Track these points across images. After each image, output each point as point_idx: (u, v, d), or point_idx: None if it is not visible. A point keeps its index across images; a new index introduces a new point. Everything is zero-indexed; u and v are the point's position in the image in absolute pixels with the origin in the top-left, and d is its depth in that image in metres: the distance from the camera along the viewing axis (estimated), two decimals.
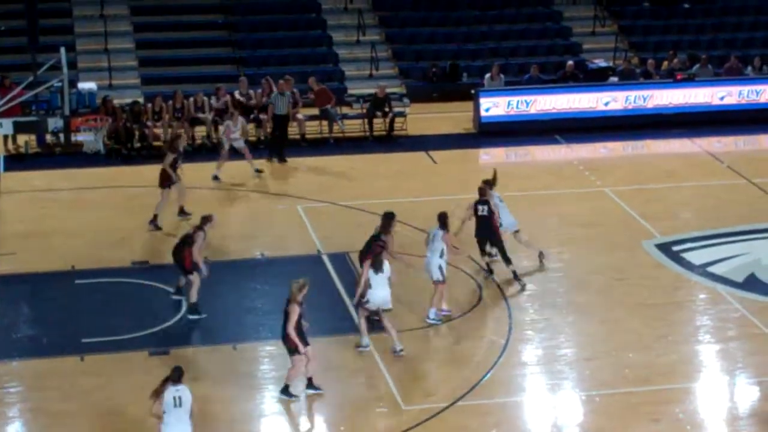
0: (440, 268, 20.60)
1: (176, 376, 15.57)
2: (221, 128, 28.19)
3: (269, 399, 18.29)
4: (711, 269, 22.87)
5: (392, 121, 31.62)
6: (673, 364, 19.15)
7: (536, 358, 19.56)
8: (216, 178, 27.49)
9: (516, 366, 19.18)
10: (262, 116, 30.54)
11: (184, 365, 18.64)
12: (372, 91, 32.48)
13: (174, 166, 24.70)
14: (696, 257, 23.44)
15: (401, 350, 19.27)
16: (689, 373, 18.87)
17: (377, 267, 19.10)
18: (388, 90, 33.38)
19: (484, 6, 38.27)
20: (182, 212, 25.01)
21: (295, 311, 17.69)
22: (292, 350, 17.81)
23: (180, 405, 15.44)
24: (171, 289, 21.31)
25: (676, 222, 25.44)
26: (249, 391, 18.43)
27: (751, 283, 22.27)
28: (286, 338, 17.79)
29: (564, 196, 27.02)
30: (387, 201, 26.11)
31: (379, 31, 37.16)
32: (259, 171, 27.92)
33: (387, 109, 31.57)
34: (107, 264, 22.72)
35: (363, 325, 19.47)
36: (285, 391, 18.11)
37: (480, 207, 21.96)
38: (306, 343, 17.80)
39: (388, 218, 20.67)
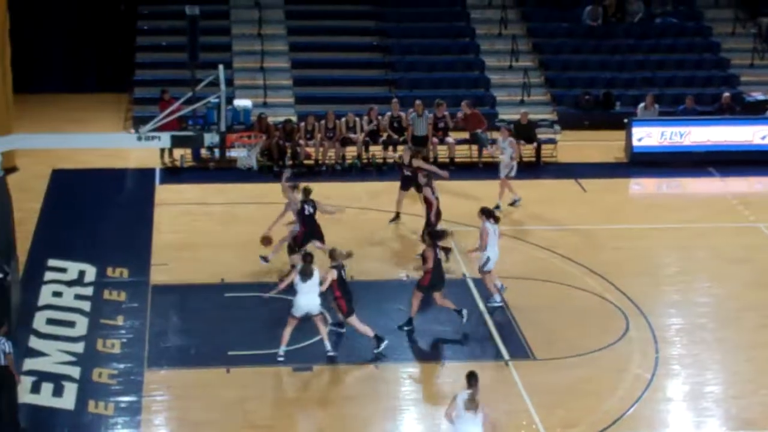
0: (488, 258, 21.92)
1: (473, 381, 15.81)
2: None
3: (410, 420, 18.33)
4: None
5: (539, 148, 31.44)
6: None
7: (682, 394, 19.23)
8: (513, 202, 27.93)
9: (661, 401, 18.88)
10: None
11: (325, 383, 18.99)
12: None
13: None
14: None
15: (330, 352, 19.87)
16: None
17: (306, 274, 19.50)
18: (540, 116, 33.24)
19: (640, 35, 37.88)
20: None
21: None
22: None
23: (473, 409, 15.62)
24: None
25: None
26: (390, 411, 18.49)
27: None
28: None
29: (716, 230, 26.53)
30: (533, 228, 26.06)
31: (532, 57, 37.05)
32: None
33: (532, 136, 31.41)
34: (256, 278, 23.03)
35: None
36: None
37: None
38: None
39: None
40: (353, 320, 20.04)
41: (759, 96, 34.54)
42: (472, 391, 15.69)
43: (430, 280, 20.91)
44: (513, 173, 27.39)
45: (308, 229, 22.90)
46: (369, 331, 20.08)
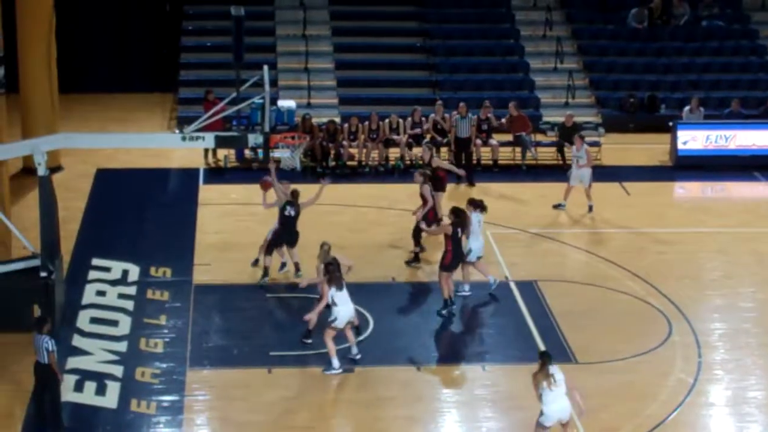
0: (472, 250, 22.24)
1: (546, 359, 16.45)
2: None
3: (451, 422, 18.32)
4: None
5: None
6: None
7: (725, 399, 19.10)
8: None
9: (703, 406, 18.76)
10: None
11: (368, 384, 19.01)
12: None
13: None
14: None
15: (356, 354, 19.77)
16: None
17: (339, 284, 19.40)
18: (584, 119, 33.15)
19: (685, 37, 37.69)
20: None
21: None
22: None
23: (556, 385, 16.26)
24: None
25: None
26: (430, 414, 18.48)
27: None
28: None
29: (761, 235, 26.31)
30: (576, 231, 25.97)
31: (576, 59, 36.94)
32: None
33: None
34: (299, 279, 23.07)
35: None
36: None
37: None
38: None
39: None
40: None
41: None
42: (548, 369, 16.22)
43: (451, 259, 21.37)
44: (587, 182, 27.26)
45: (284, 230, 22.92)
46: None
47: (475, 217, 22.32)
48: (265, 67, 21.60)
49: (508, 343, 20.86)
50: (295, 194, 23.18)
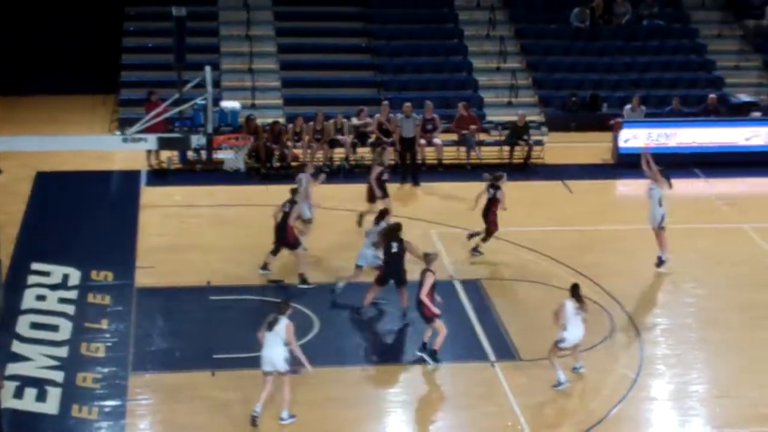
0: (366, 256, 22.17)
1: (576, 291, 19.02)
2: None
3: (397, 422, 18.35)
4: None
5: (530, 150, 31.52)
6: None
7: (666, 393, 19.29)
8: None
9: (645, 401, 18.93)
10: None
11: (313, 385, 18.98)
12: (510, 118, 32.46)
13: (381, 180, 25.09)
14: None
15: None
16: None
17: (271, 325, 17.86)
18: (527, 118, 33.27)
19: (627, 37, 37.94)
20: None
21: (429, 278, 19.40)
22: (428, 318, 19.45)
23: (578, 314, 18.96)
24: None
25: None
26: (377, 414, 18.53)
27: None
28: (420, 305, 19.53)
29: (701, 231, 26.58)
30: (520, 229, 26.04)
31: (520, 59, 37.06)
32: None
33: (526, 137, 31.52)
34: (243, 281, 23.02)
35: None
36: (433, 356, 19.68)
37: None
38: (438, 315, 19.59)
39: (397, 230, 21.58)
40: None
41: (744, 98, 34.64)
42: (577, 299, 18.74)
43: (383, 275, 21.54)
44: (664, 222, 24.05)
45: (278, 228, 23.03)
46: None
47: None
48: (208, 68, 21.48)
49: (453, 342, 20.87)
50: (292, 191, 23.53)
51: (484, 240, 24.51)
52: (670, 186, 23.97)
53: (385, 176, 25.42)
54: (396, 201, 26.58)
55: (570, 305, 18.75)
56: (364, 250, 22.24)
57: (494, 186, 24.42)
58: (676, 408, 18.79)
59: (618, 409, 18.42)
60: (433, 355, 19.68)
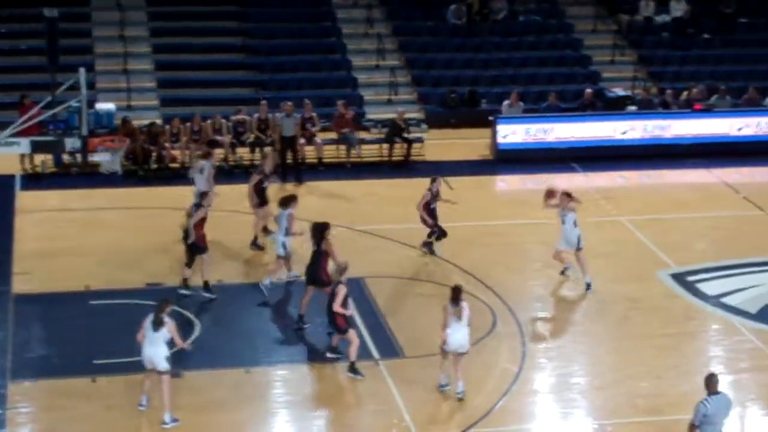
0: (283, 244, 22.22)
1: (457, 293, 18.58)
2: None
3: (281, 423, 18.27)
4: (725, 300, 22.79)
5: (410, 147, 31.64)
6: (685, 395, 18.97)
7: (549, 386, 19.50)
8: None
9: (528, 394, 19.11)
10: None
11: (196, 389, 18.80)
12: (390, 116, 32.57)
13: (260, 188, 24.74)
14: (710, 288, 23.35)
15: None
16: None
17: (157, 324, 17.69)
18: (407, 115, 33.43)
19: (504, 33, 38.32)
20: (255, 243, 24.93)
21: (341, 290, 19.10)
22: (341, 329, 19.25)
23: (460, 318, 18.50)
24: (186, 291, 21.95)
25: (691, 252, 25.35)
26: (261, 415, 18.39)
27: (765, 315, 22.16)
28: (334, 316, 19.24)
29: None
30: (402, 226, 26.12)
31: (398, 56, 37.22)
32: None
33: (406, 135, 31.63)
34: (122, 285, 22.72)
35: None
36: (352, 369, 19.30)
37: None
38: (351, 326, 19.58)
39: (321, 229, 21.23)
40: None
41: (620, 92, 35.24)
42: (458, 303, 18.34)
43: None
44: (581, 242, 23.26)
45: (185, 233, 22.74)
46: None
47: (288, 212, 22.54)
48: (82, 70, 21.28)
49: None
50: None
51: (438, 238, 24.61)
52: (578, 201, 23.69)
53: (265, 184, 25.13)
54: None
55: (450, 308, 18.54)
56: (277, 238, 22.43)
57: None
58: (558, 400, 19.01)
59: (502, 403, 18.56)
60: (354, 368, 19.30)
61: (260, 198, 24.89)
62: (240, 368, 19.79)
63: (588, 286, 23.06)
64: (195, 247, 22.05)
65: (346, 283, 19.45)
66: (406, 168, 31.19)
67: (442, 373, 18.86)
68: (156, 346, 17.62)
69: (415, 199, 28.15)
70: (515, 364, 19.97)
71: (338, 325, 19.37)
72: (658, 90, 35.92)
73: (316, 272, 21.07)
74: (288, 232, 22.20)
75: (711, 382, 15.29)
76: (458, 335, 18.42)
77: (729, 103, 34.30)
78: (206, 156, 25.81)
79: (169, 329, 17.67)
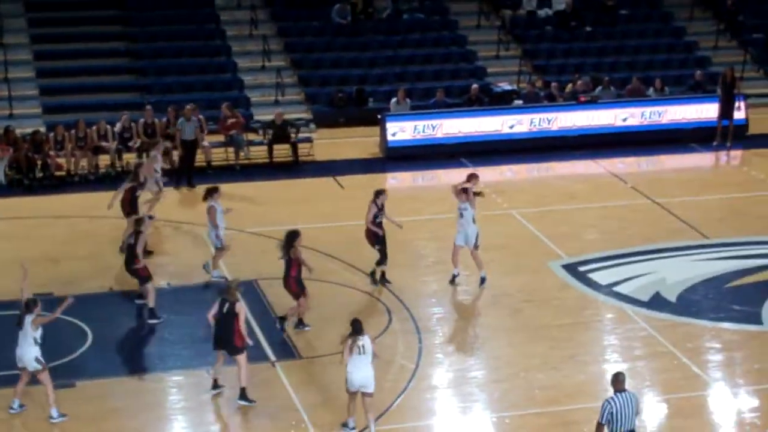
0: (217, 236, 22.85)
1: (357, 327, 17.18)
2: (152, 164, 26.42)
3: (179, 429, 18.08)
4: (617, 289, 23.09)
5: (295, 147, 31.50)
6: (581, 384, 19.28)
7: (446, 381, 19.56)
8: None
9: (426, 390, 19.15)
10: (168, 145, 30.36)
11: (90, 398, 18.52)
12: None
13: (133, 197, 24.33)
14: (602, 277, 23.65)
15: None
16: (597, 392, 18.80)
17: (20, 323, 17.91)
18: (295, 115, 33.35)
19: (388, 31, 38.40)
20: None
21: (242, 310, 18.48)
22: (238, 349, 18.38)
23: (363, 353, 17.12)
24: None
25: (581, 243, 25.65)
26: (158, 421, 18.19)
27: (656, 302, 22.52)
28: (234, 335, 18.32)
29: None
30: (294, 227, 25.96)
31: (284, 57, 37.09)
32: None
33: (292, 135, 31.51)
34: (9, 296, 22.22)
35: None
36: (243, 396, 18.47)
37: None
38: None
39: (292, 238, 20.98)
40: None
41: (506, 86, 35.52)
42: (356, 336, 17.05)
43: None
44: (479, 240, 23.19)
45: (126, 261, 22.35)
46: None
47: (216, 205, 23.01)
48: None
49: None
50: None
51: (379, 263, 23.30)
52: (481, 195, 23.73)
53: (138, 193, 24.75)
54: (170, 206, 26.15)
55: (350, 342, 17.12)
56: (210, 233, 22.98)
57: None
58: (457, 395, 19.08)
59: (400, 400, 18.58)
60: (245, 395, 18.52)
61: (132, 208, 24.39)
62: (134, 376, 19.55)
63: (483, 280, 23.17)
64: (139, 277, 21.61)
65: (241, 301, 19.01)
66: (295, 169, 31.07)
67: (349, 416, 17.56)
68: (22, 346, 17.79)
69: (305, 200, 28.22)
70: (412, 361, 20.02)
71: (236, 344, 18.56)
72: (543, 83, 36.30)
73: (286, 281, 20.86)
74: (214, 225, 22.68)
75: (617, 380, 15.39)
76: (362, 373, 17.06)
77: (613, 94, 34.80)
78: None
79: (32, 327, 17.75)
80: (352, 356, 17.03)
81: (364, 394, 17.19)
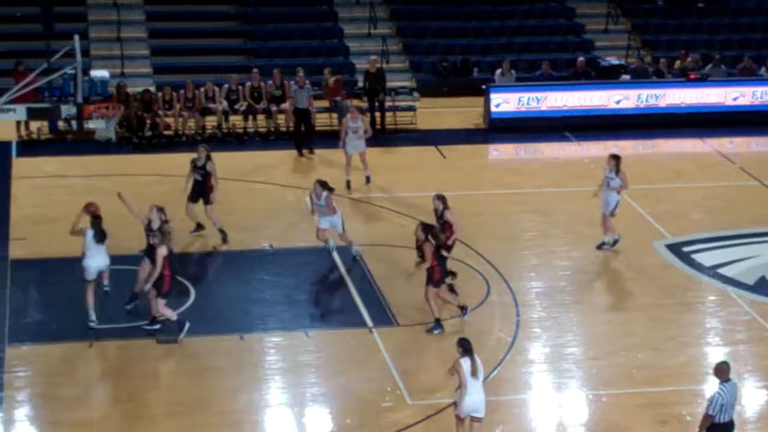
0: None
1: (468, 346, 15.77)
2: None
3: (275, 390, 18.33)
4: (721, 271, 22.81)
5: (383, 114, 31.41)
6: (681, 366, 19.13)
7: (543, 356, 19.55)
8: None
9: (523, 363, 19.17)
10: (273, 108, 30.66)
11: (189, 354, 18.88)
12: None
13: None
14: (706, 258, 23.38)
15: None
16: (697, 375, 18.79)
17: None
18: (399, 84, 33.34)
19: (495, 1, 38.24)
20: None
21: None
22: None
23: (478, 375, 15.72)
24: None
25: (686, 223, 25.38)
26: (255, 381, 18.46)
27: (761, 286, 22.19)
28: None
29: (573, 194, 26.92)
30: (395, 195, 26.18)
31: (390, 25, 37.15)
32: None
33: (382, 87, 31.25)
34: (116, 251, 22.61)
35: None
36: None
37: None
38: None
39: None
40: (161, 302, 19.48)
41: (613, 61, 35.16)
42: (473, 356, 15.71)
43: (440, 274, 19.99)
44: (617, 209, 23.51)
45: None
46: (173, 316, 19.57)
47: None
48: (76, 37, 21.19)
49: (331, 309, 20.98)
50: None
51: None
52: (626, 185, 23.52)
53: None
54: (275, 170, 26.40)
55: (466, 364, 15.69)
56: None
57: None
58: (553, 370, 19.05)
59: (496, 373, 18.61)
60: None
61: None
62: (234, 335, 19.86)
63: (602, 244, 23.38)
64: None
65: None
66: (396, 136, 31.14)
67: None
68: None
69: (408, 168, 28.27)
70: (509, 334, 20.03)
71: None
72: (652, 59, 35.91)
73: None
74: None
75: (722, 370, 15.17)
76: (477, 396, 15.77)
77: (724, 72, 34.28)
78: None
79: None
80: (466, 379, 15.58)
81: (473, 419, 15.87)
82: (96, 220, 19.81)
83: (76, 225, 19.94)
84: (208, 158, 23.24)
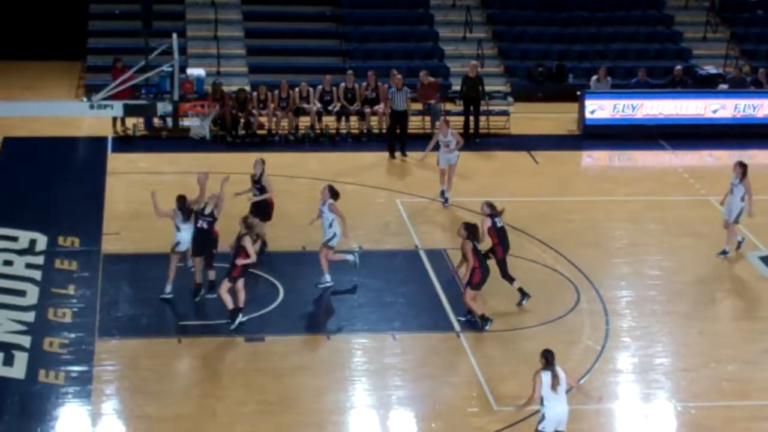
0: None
1: (551, 358, 15.61)
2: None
3: (360, 392, 18.36)
4: None
5: (477, 118, 31.26)
6: None
7: (632, 366, 19.36)
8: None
9: (611, 373, 19.01)
10: (366, 110, 30.74)
11: (277, 353, 18.99)
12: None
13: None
14: None
15: None
16: None
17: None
18: (493, 88, 33.21)
19: (593, 7, 37.97)
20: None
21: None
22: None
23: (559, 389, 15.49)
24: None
25: None
26: (341, 382, 18.51)
27: None
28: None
29: (667, 203, 26.67)
30: (485, 199, 25.99)
31: (486, 29, 37.06)
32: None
33: (479, 94, 31.17)
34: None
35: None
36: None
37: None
38: None
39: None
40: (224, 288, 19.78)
41: (711, 70, 34.72)
42: (555, 369, 15.49)
43: (481, 276, 20.09)
44: (741, 216, 23.58)
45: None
46: (230, 304, 19.81)
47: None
48: (174, 35, 21.35)
49: (418, 312, 20.94)
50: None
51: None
52: (749, 194, 23.42)
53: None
54: (367, 172, 26.33)
55: (546, 377, 15.48)
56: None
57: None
58: (641, 381, 18.86)
59: (584, 382, 18.45)
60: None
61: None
62: (321, 335, 19.95)
63: (724, 252, 23.47)
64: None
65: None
66: (489, 141, 30.98)
67: None
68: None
69: (500, 173, 28.17)
70: (598, 343, 19.87)
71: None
72: (750, 68, 35.40)
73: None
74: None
75: None
76: (558, 409, 15.53)
77: None
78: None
79: None
80: (546, 392, 15.41)
81: None
82: (181, 200, 20.55)
83: (157, 206, 20.83)
84: (262, 172, 22.88)
